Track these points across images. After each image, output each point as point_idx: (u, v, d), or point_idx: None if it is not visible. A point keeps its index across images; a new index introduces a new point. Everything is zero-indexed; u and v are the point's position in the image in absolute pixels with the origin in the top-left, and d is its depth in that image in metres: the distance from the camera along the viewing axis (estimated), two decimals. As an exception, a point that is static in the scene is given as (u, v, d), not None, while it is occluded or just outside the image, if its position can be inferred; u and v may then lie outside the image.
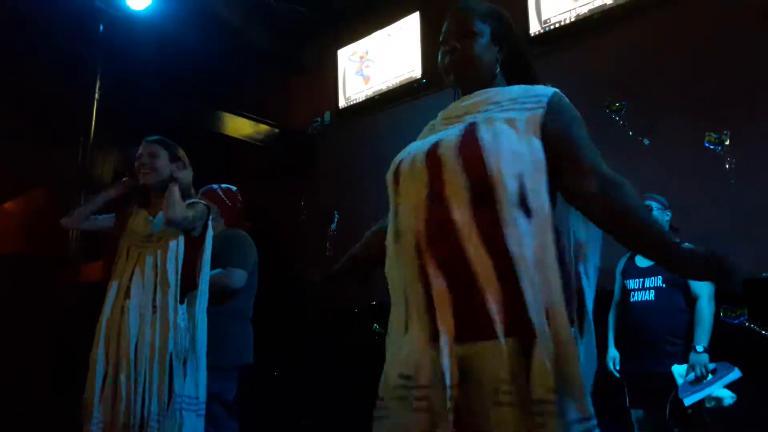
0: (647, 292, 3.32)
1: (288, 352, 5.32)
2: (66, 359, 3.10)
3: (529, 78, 1.57)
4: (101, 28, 4.94)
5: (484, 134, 1.37)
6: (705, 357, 3.05)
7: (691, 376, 3.06)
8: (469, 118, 1.46)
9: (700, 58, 3.90)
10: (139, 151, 2.69)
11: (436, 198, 1.37)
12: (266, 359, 5.35)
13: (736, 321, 3.21)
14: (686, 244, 1.37)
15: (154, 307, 2.50)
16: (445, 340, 1.30)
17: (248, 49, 5.99)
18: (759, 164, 3.60)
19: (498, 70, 1.56)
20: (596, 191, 1.35)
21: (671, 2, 4.04)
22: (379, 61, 5.70)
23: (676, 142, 3.90)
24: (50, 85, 4.73)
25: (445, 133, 1.45)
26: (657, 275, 3.30)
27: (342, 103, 5.95)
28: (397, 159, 1.52)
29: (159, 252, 2.55)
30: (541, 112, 1.40)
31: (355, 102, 5.86)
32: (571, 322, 1.34)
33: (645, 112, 4.03)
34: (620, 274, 3.51)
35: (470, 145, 1.37)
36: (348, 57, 5.96)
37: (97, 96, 4.85)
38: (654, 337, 3.24)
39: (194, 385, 2.52)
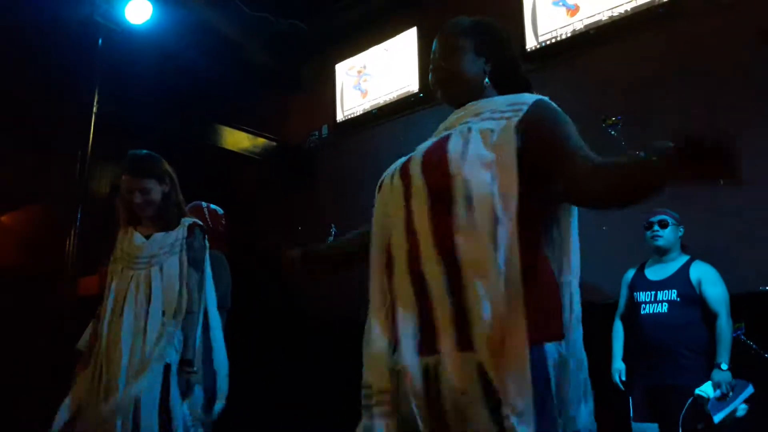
0: (660, 305, 3.32)
1: (283, 360, 5.29)
2: (63, 374, 3.08)
3: (521, 86, 1.58)
4: (100, 42, 4.96)
5: (452, 144, 1.39)
6: (729, 375, 3.07)
7: (717, 393, 3.07)
8: (450, 131, 1.48)
9: (697, 73, 3.92)
10: (129, 186, 2.62)
11: (406, 210, 1.40)
12: (262, 368, 5.34)
13: (733, 334, 3.22)
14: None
15: (145, 328, 2.47)
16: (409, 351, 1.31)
17: (246, 63, 6.01)
18: (757, 178, 3.61)
19: (487, 81, 1.57)
20: (592, 170, 1.32)
21: (667, 18, 4.06)
22: (377, 75, 5.73)
23: (672, 156, 3.90)
24: (48, 99, 4.74)
25: (421, 146, 1.49)
26: (671, 288, 3.32)
27: (340, 117, 5.97)
28: (384, 175, 1.55)
29: (153, 273, 2.53)
30: (516, 119, 1.39)
31: (352, 116, 5.88)
32: (558, 335, 1.36)
33: (641, 126, 4.05)
34: (627, 287, 3.51)
35: (436, 155, 1.40)
36: (346, 71, 5.99)
37: (95, 110, 4.85)
38: (668, 350, 3.24)
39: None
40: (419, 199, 1.38)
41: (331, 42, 6.12)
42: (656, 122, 4.02)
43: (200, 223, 2.75)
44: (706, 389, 3.10)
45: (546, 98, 1.47)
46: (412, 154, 1.49)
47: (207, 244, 2.73)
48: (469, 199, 1.31)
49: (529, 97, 1.47)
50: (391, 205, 1.45)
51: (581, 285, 1.47)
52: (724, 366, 3.07)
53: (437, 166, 1.38)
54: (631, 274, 3.54)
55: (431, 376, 1.28)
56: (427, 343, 1.30)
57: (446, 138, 1.43)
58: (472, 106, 1.52)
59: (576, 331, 1.44)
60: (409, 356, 1.30)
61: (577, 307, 1.45)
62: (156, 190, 2.64)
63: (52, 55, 4.64)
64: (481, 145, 1.36)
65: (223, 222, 3.45)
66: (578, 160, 1.34)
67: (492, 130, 1.39)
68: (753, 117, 3.69)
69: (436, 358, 1.28)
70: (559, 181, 1.36)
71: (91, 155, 4.80)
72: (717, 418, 3.06)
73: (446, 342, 1.27)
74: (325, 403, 4.82)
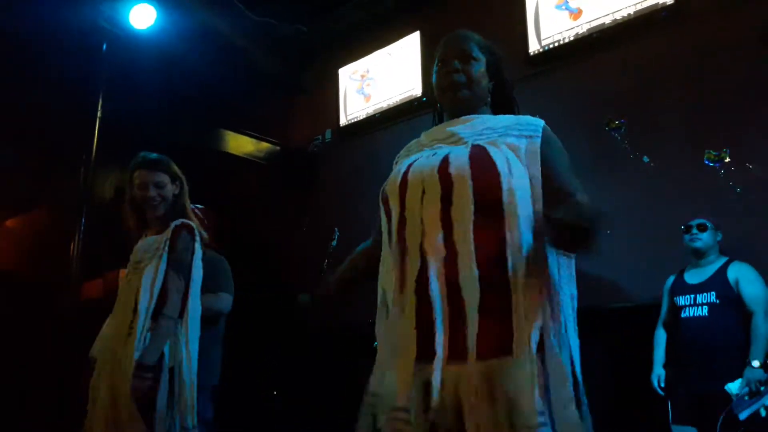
0: (700, 308, 3.33)
1: (286, 371, 5.29)
2: (67, 378, 3.09)
3: (512, 111, 1.64)
4: (104, 47, 4.97)
5: (496, 158, 1.41)
6: (760, 372, 3.05)
7: (746, 390, 3.06)
8: (468, 141, 1.49)
9: (700, 76, 3.92)
10: (143, 180, 2.61)
11: (445, 217, 1.39)
12: (265, 379, 5.34)
13: None
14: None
15: (130, 331, 2.44)
16: (437, 360, 1.32)
17: (250, 68, 6.02)
18: (761, 180, 3.61)
19: (489, 99, 1.63)
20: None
21: (670, 21, 4.06)
22: (380, 79, 5.74)
23: (676, 159, 3.91)
24: (53, 104, 4.75)
25: (453, 153, 1.46)
26: (710, 291, 3.33)
27: (343, 121, 5.98)
28: (397, 175, 1.52)
29: (142, 276, 2.51)
30: (538, 141, 1.47)
31: (356, 120, 5.89)
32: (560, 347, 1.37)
33: (645, 130, 4.05)
34: (668, 293, 3.54)
35: (484, 168, 1.40)
36: (349, 75, 6.00)
37: (99, 115, 4.86)
38: (708, 354, 3.24)
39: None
40: (462, 206, 1.38)
41: (334, 46, 6.14)
42: (659, 125, 4.02)
43: (189, 224, 2.67)
44: (734, 386, 3.10)
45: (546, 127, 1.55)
46: (444, 155, 1.46)
47: (196, 247, 2.64)
48: (518, 218, 1.36)
49: (537, 121, 1.53)
50: (425, 210, 1.42)
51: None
52: (756, 363, 3.06)
53: (486, 179, 1.38)
54: (671, 280, 3.56)
55: (456, 387, 1.30)
56: (454, 351, 1.32)
57: (484, 150, 1.44)
58: (481, 119, 1.55)
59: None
60: (438, 366, 1.32)
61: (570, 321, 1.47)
62: (169, 188, 2.64)
63: (57, 60, 4.65)
64: (519, 164, 1.42)
65: (211, 218, 3.46)
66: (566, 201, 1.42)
67: (518, 147, 1.45)
68: (757, 118, 3.68)
69: (464, 367, 1.30)
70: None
71: (95, 160, 4.82)
72: (742, 415, 3.05)
73: (471, 353, 1.31)
74: (324, 404, 4.82)
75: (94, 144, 4.82)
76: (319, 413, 4.91)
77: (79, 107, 4.89)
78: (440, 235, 1.38)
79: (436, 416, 1.29)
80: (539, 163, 1.43)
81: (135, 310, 2.46)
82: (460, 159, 1.42)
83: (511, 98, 1.68)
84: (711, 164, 3.67)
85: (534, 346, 1.29)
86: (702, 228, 3.43)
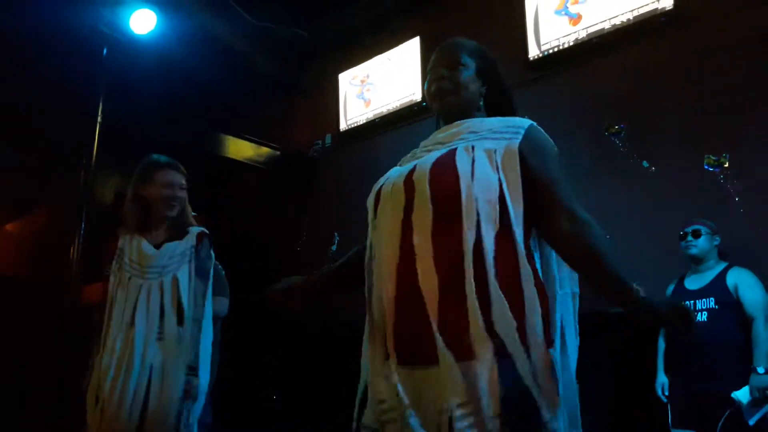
0: (700, 314, 3.31)
1: (286, 372, 5.29)
2: (67, 381, 3.08)
3: (510, 113, 1.63)
4: (105, 51, 4.99)
5: (459, 160, 1.42)
6: (766, 378, 3.04)
7: (754, 395, 3.04)
8: (448, 145, 1.50)
9: (699, 81, 3.93)
10: (170, 180, 2.63)
11: (406, 222, 1.42)
12: (265, 380, 5.34)
13: None
14: (638, 287, 1.42)
15: (160, 337, 2.47)
16: (391, 362, 1.36)
17: (250, 73, 6.04)
18: (761, 183, 3.62)
19: (481, 103, 1.63)
20: (568, 230, 1.38)
21: (669, 26, 4.08)
22: (380, 84, 5.75)
23: (676, 162, 3.92)
24: (53, 108, 4.76)
25: (423, 159, 1.49)
26: (709, 297, 3.31)
27: (343, 126, 5.99)
28: (377, 185, 1.56)
29: (165, 282, 2.51)
30: (517, 141, 1.44)
31: (355, 125, 5.90)
32: (549, 343, 1.37)
33: (644, 134, 4.06)
34: None
35: (443, 169, 1.42)
36: (349, 81, 6.01)
37: (99, 119, 4.87)
38: (708, 358, 3.23)
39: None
40: (422, 212, 1.39)
41: (334, 51, 6.15)
42: (659, 129, 4.03)
43: (207, 232, 2.71)
44: (741, 394, 3.09)
45: (536, 125, 1.52)
46: (414, 165, 1.49)
47: (213, 255, 2.70)
48: (477, 219, 1.34)
49: (524, 122, 1.51)
50: (388, 215, 1.46)
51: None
52: (761, 369, 3.05)
53: (446, 182, 1.39)
54: (671, 287, 3.54)
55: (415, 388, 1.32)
56: (416, 353, 1.33)
57: (451, 154, 1.44)
58: (466, 123, 1.55)
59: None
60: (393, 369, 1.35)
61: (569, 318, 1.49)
62: (185, 191, 2.68)
63: (57, 64, 4.67)
64: (487, 164, 1.40)
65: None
66: (561, 216, 1.39)
67: (495, 151, 1.43)
68: (756, 121, 3.69)
69: (420, 370, 1.32)
70: (538, 223, 1.43)
71: (96, 164, 4.83)
72: (752, 420, 3.04)
73: (442, 353, 1.29)
74: (324, 404, 4.81)
75: (95, 147, 4.83)
76: (319, 413, 4.90)
77: (80, 110, 4.91)
78: (401, 241, 1.40)
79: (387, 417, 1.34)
80: (518, 163, 1.40)
81: (162, 315, 2.48)
82: (424, 165, 1.45)
83: (509, 100, 1.67)
84: (711, 169, 3.67)
85: (489, 349, 1.27)
86: (696, 234, 3.42)
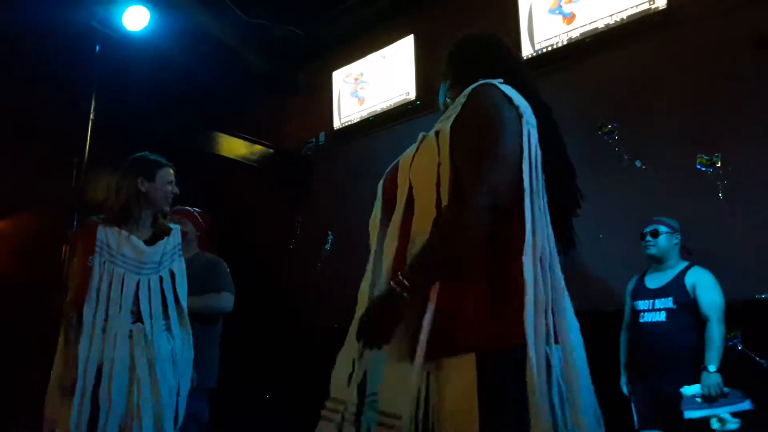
0: (658, 313, 3.32)
1: (279, 373, 5.28)
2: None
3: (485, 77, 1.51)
4: (97, 48, 4.96)
5: (406, 152, 1.50)
6: (716, 377, 3.04)
7: (702, 392, 3.04)
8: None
9: (692, 80, 3.94)
10: (172, 178, 2.71)
11: (384, 219, 1.51)
12: (264, 380, 5.32)
13: (730, 343, 3.21)
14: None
15: (168, 330, 2.55)
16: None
17: (243, 71, 6.02)
18: (753, 183, 3.63)
19: (459, 87, 1.62)
20: (443, 216, 1.32)
21: (663, 26, 4.08)
22: (374, 82, 5.74)
23: (668, 163, 3.92)
24: (45, 105, 4.74)
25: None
26: (668, 296, 3.31)
27: (337, 124, 5.98)
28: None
29: (164, 277, 2.58)
30: (454, 116, 1.41)
31: (349, 123, 5.89)
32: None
33: (637, 134, 4.07)
34: (630, 295, 3.52)
35: (392, 168, 1.51)
36: (343, 78, 6.00)
37: (92, 116, 4.84)
38: (666, 358, 3.24)
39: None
40: (377, 207, 1.51)
41: (328, 49, 6.14)
42: (652, 129, 4.04)
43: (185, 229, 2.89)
44: (692, 390, 3.09)
45: (481, 87, 1.42)
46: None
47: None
48: (411, 205, 1.39)
49: (467, 90, 1.44)
50: (385, 208, 1.53)
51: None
52: (712, 368, 3.05)
53: (391, 174, 1.49)
54: (632, 282, 3.54)
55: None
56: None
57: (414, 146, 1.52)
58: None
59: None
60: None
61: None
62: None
63: (50, 61, 4.64)
64: (431, 149, 1.40)
65: (209, 221, 3.49)
66: (451, 202, 1.33)
67: (440, 131, 1.43)
68: (749, 122, 3.70)
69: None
70: None
71: (88, 162, 4.80)
72: (687, 414, 3.04)
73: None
74: (324, 404, 4.80)
75: (87, 146, 4.80)
76: (319, 413, 4.90)
77: (72, 108, 4.88)
78: (379, 236, 1.49)
79: None
80: (448, 145, 1.37)
81: (165, 308, 2.56)
82: (405, 155, 1.52)
83: (478, 67, 1.58)
84: (703, 168, 3.68)
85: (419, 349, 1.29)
86: (654, 234, 3.41)
